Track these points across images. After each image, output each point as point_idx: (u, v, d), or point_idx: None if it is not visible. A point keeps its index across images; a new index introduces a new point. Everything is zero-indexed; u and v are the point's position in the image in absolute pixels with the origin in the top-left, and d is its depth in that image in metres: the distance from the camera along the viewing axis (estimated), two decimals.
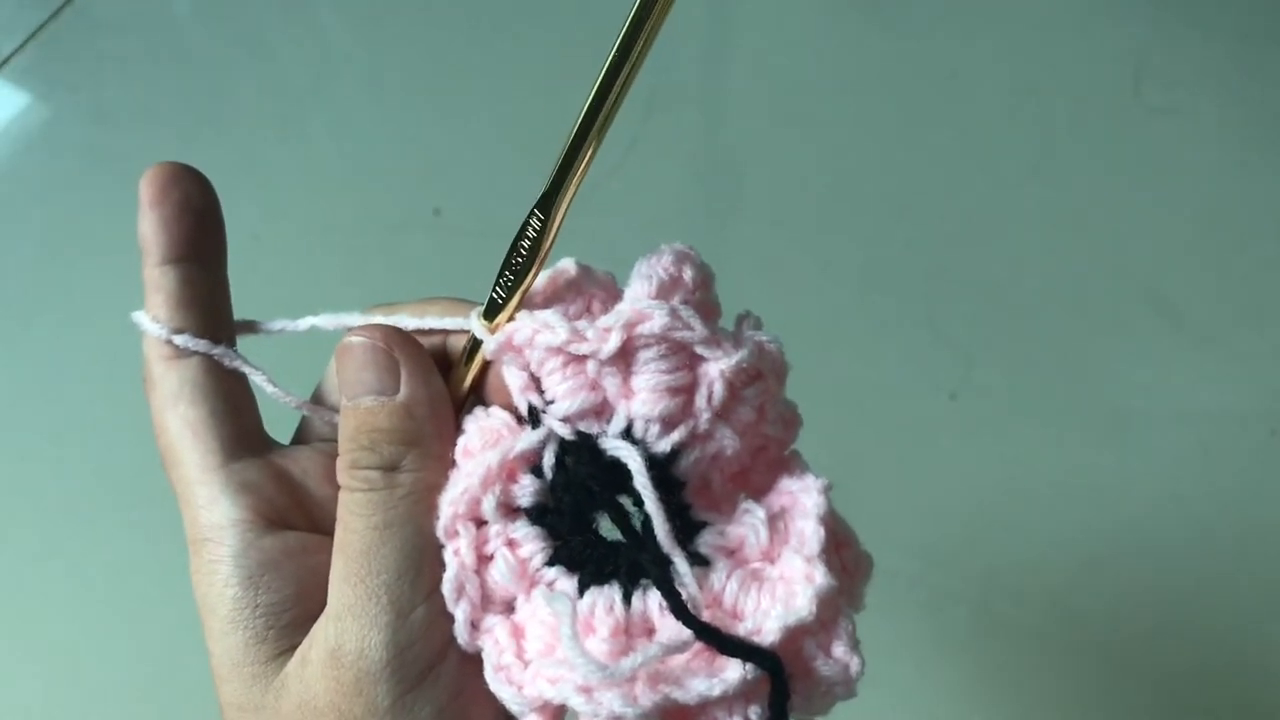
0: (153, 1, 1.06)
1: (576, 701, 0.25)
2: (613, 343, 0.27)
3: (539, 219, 0.27)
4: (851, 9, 1.05)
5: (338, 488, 0.29)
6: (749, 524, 0.27)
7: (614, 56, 0.26)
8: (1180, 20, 1.05)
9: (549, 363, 0.27)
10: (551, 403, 0.27)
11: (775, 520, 0.28)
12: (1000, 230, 0.93)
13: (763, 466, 0.30)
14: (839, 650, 0.27)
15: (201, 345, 0.30)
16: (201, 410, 0.29)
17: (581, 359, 0.27)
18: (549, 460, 0.28)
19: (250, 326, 0.32)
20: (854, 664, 0.27)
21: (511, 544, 0.28)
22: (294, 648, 0.28)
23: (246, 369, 0.31)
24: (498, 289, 0.28)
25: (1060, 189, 0.95)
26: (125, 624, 0.75)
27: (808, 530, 0.27)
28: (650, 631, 0.27)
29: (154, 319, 0.30)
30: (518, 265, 0.28)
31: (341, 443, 0.28)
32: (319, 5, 1.08)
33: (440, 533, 0.27)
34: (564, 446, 0.28)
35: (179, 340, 0.29)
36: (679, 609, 0.25)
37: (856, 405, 0.84)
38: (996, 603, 0.76)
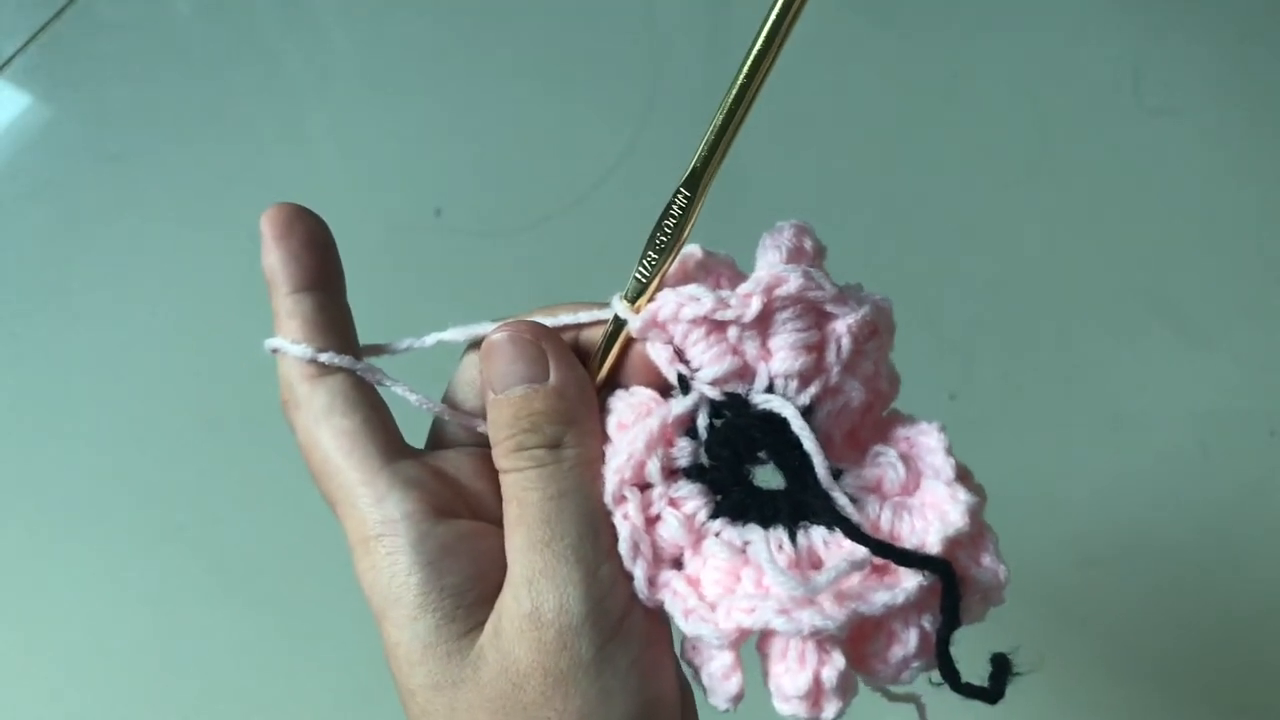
0: (153, 2, 1.06)
1: (778, 622, 0.27)
2: (755, 306, 0.29)
3: (685, 196, 0.29)
4: (851, 9, 1.05)
5: (490, 483, 0.31)
6: (885, 464, 0.30)
7: (771, 23, 0.27)
8: (1180, 21, 1.05)
9: (693, 334, 0.30)
10: (699, 370, 0.30)
11: (906, 459, 0.31)
12: (1000, 230, 0.93)
13: (870, 425, 0.32)
14: (988, 559, 0.30)
15: (345, 361, 0.32)
16: (355, 420, 0.31)
17: (722, 327, 0.30)
18: (703, 421, 0.30)
19: (378, 349, 0.34)
20: (1002, 571, 0.30)
21: (675, 503, 0.30)
22: (480, 625, 0.29)
23: (387, 381, 0.33)
24: (641, 270, 0.30)
25: (1059, 189, 0.95)
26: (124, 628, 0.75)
27: (939, 461, 0.30)
28: (818, 565, 0.29)
29: (293, 342, 0.32)
30: (662, 244, 0.30)
31: (498, 431, 0.31)
32: (319, 5, 1.08)
33: (609, 499, 0.30)
34: (715, 409, 0.30)
35: (324, 358, 0.31)
36: (853, 531, 0.28)
37: None
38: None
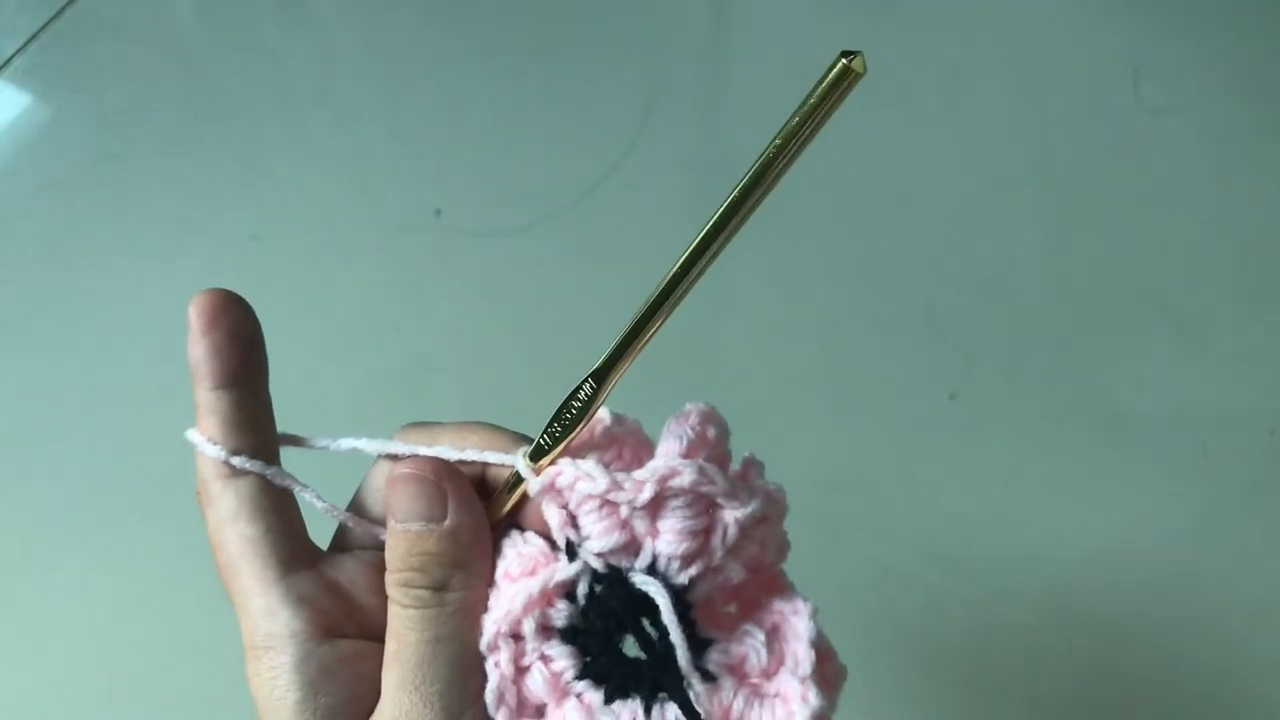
0: (154, 2, 1.06)
1: None
2: (646, 494, 0.30)
3: (591, 387, 0.30)
4: (851, 8, 1.05)
5: (383, 598, 0.32)
6: (750, 645, 0.32)
7: (693, 250, 0.27)
8: (1180, 20, 1.05)
9: (586, 504, 0.31)
10: (587, 539, 0.31)
11: (771, 639, 0.32)
12: (1000, 230, 0.93)
13: (755, 583, 0.34)
14: None
15: (257, 466, 0.33)
16: (259, 528, 0.32)
17: (615, 504, 0.31)
18: (583, 589, 0.32)
19: (295, 441, 0.35)
20: None
21: (545, 659, 0.32)
22: None
23: (296, 487, 0.34)
24: (545, 437, 0.31)
25: (1060, 189, 0.95)
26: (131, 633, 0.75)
27: (800, 653, 0.31)
28: None
29: (209, 440, 0.33)
30: (567, 420, 0.31)
31: (392, 561, 0.32)
32: (319, 5, 1.08)
33: (484, 647, 0.32)
34: (596, 578, 0.32)
35: (236, 462, 0.32)
36: None
37: (856, 405, 0.84)
38: (996, 603, 0.76)
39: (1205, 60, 1.02)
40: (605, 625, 0.32)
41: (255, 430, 0.33)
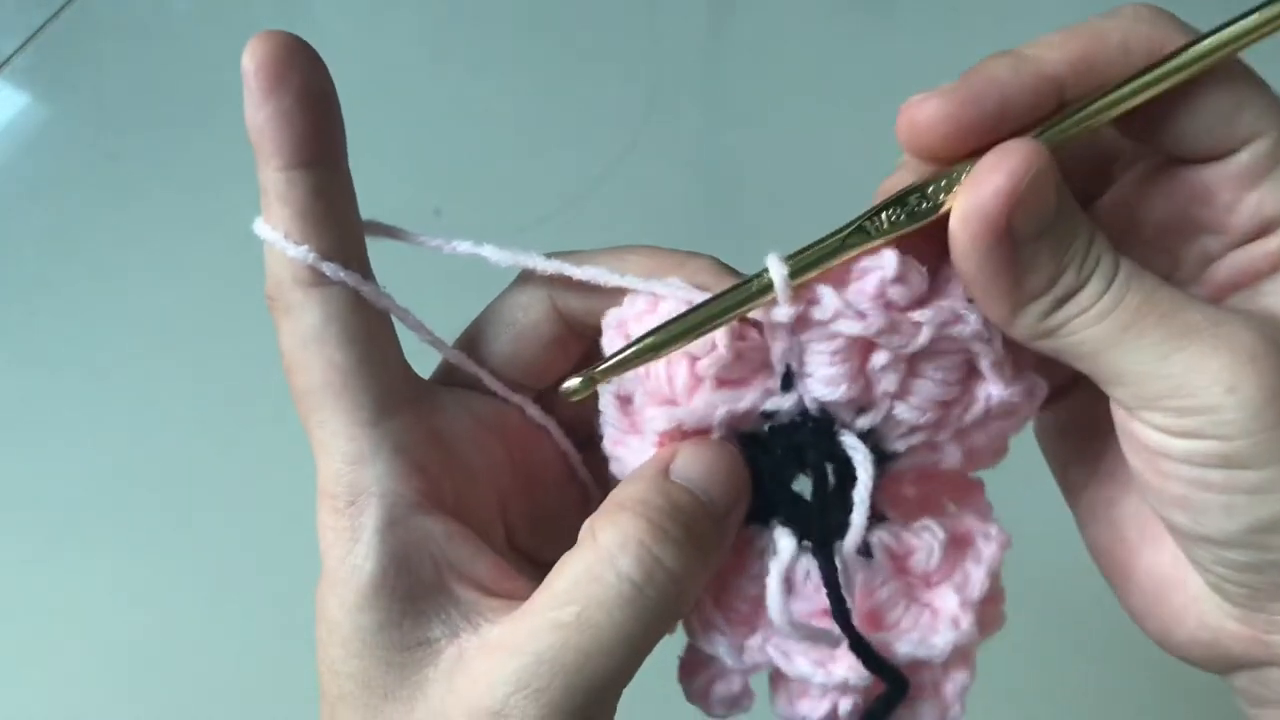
0: (153, 2, 1.06)
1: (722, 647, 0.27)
2: (922, 338, 0.25)
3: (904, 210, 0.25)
4: (852, 8, 1.05)
5: (488, 457, 0.28)
6: (925, 542, 0.28)
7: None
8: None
9: (828, 343, 0.25)
10: (809, 376, 0.26)
11: (950, 549, 0.28)
12: None
13: (948, 480, 0.29)
14: (949, 692, 0.28)
15: (352, 279, 0.26)
16: (350, 356, 0.26)
17: (859, 349, 0.26)
18: (784, 419, 0.27)
19: (388, 232, 0.29)
20: (954, 710, 0.28)
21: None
22: (425, 641, 0.25)
23: (396, 312, 0.27)
24: (876, 222, 0.25)
25: None
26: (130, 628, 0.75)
27: (975, 577, 0.27)
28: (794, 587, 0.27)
29: (286, 235, 0.26)
30: (895, 220, 0.25)
31: (626, 495, 0.25)
32: (319, 5, 1.08)
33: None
34: (804, 417, 0.26)
35: (327, 269, 0.26)
36: (843, 618, 0.26)
37: None
38: None
39: None
40: (785, 459, 0.27)
41: (338, 223, 0.27)
